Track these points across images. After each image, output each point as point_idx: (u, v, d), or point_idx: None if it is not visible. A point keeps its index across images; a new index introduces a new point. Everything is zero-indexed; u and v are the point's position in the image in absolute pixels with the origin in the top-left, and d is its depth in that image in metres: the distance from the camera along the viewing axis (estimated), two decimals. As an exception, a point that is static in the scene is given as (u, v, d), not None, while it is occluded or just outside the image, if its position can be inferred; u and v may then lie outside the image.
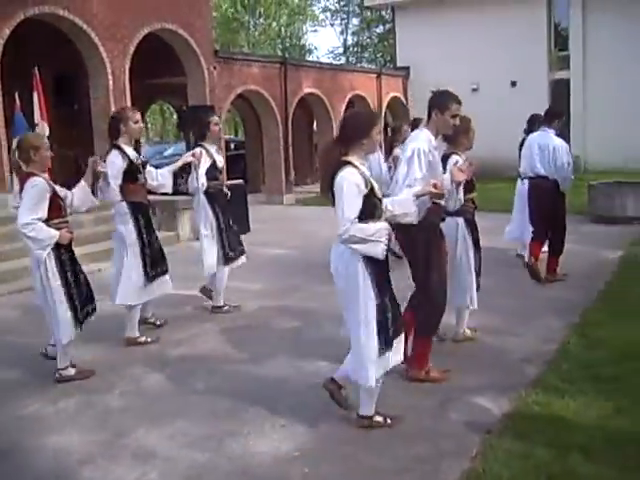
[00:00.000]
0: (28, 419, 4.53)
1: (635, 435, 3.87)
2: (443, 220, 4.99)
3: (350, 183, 3.79)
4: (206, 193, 6.71)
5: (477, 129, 5.45)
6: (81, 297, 5.12)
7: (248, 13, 43.45)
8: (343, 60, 43.21)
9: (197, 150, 6.64)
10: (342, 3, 44.31)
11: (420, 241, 4.62)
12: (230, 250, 6.80)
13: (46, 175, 5.04)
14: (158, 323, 6.44)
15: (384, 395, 4.31)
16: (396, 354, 4.08)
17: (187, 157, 6.60)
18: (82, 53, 12.38)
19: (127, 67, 12.75)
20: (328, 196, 3.97)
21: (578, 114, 20.51)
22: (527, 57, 20.77)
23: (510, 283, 7.54)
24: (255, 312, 6.91)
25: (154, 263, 6.01)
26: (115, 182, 5.77)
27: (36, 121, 10.25)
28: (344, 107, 19.98)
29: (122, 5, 12.58)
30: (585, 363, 5.00)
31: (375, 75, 22.07)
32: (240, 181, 13.12)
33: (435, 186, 4.15)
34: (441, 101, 4.70)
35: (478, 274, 5.60)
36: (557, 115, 7.85)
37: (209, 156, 6.69)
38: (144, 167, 6.04)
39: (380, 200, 3.97)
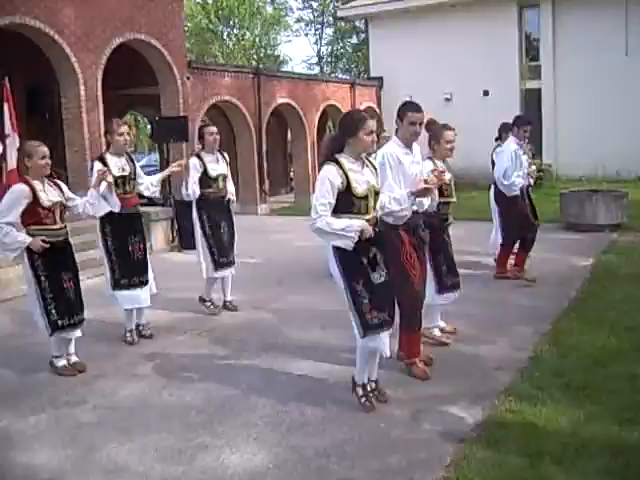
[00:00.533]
0: (-2, 434, 4.47)
1: (606, 443, 3.90)
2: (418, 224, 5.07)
3: (323, 178, 4.08)
4: (197, 201, 6.93)
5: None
6: (60, 306, 5.22)
7: (222, 23, 43.47)
8: (317, 70, 43.33)
9: (185, 160, 6.90)
10: (316, 13, 44.51)
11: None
12: (220, 257, 7.00)
13: (37, 182, 5.12)
14: (143, 333, 6.44)
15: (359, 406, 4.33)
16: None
17: (173, 167, 6.75)
18: (53, 63, 12.27)
19: (99, 77, 12.65)
20: None
21: (549, 123, 20.78)
22: (499, 67, 20.97)
23: (482, 291, 7.58)
24: (229, 323, 6.87)
25: (126, 272, 6.16)
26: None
27: (7, 132, 10.12)
28: (318, 117, 20.04)
29: (94, 15, 12.48)
30: (557, 370, 5.04)
31: (349, 85, 22.14)
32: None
33: (426, 181, 4.49)
34: (400, 110, 4.99)
35: (456, 275, 5.76)
36: (521, 122, 7.96)
37: (201, 165, 6.87)
38: (132, 178, 6.19)
39: (363, 198, 4.14)
